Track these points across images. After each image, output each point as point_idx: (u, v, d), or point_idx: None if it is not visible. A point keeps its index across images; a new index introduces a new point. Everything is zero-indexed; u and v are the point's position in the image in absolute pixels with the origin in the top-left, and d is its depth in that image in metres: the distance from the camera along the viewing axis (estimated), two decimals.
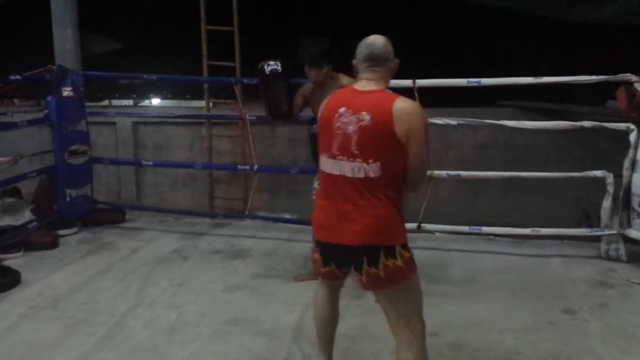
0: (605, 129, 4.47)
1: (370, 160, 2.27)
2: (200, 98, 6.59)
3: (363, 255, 2.32)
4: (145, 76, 5.43)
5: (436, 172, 4.74)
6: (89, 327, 3.50)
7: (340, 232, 2.35)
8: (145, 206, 6.19)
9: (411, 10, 7.09)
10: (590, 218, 5.83)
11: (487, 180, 5.22)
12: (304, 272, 4.22)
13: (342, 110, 2.33)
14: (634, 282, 4.07)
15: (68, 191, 5.25)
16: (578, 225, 5.59)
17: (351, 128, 2.29)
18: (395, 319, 2.40)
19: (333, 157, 2.35)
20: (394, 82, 4.60)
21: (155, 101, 7.42)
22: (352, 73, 2.52)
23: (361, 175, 2.29)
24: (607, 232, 4.50)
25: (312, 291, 3.93)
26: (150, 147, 6.56)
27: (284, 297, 3.90)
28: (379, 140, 2.26)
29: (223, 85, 6.46)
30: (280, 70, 4.09)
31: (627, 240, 4.48)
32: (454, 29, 7.69)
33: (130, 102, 6.98)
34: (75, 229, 5.28)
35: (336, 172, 2.34)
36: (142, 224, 5.58)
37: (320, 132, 2.43)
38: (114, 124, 6.43)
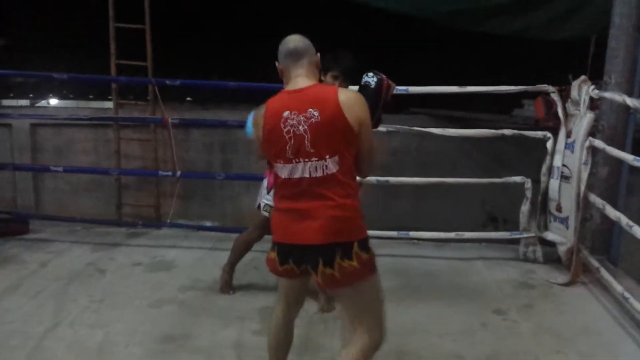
0: (518, 136, 4.68)
1: (327, 156, 2.25)
2: (105, 99, 6.20)
3: (319, 256, 2.29)
4: (55, 75, 5.00)
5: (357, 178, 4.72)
6: (4, 351, 3.16)
7: (299, 232, 2.32)
8: (52, 215, 5.71)
9: (336, 20, 7.11)
10: (496, 220, 6.14)
11: (400, 185, 5.29)
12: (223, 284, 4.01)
13: (286, 114, 2.27)
14: (553, 283, 4.28)
15: None
16: (484, 227, 5.87)
17: (301, 128, 2.24)
18: (351, 319, 2.44)
19: (289, 161, 2.29)
20: None
21: (54, 101, 6.89)
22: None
23: (320, 174, 2.27)
24: (525, 235, 4.70)
25: (244, 303, 3.82)
26: (50, 151, 6.08)
27: (218, 310, 3.72)
28: (333, 134, 2.24)
29: (129, 85, 6.14)
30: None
31: (543, 242, 4.70)
32: (380, 38, 7.85)
33: (26, 102, 6.41)
34: None
35: (295, 176, 2.30)
36: (48, 234, 5.12)
37: (266, 142, 2.34)
38: (9, 125, 5.90)
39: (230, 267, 4.00)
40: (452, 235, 4.79)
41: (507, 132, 4.62)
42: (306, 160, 2.27)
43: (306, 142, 2.25)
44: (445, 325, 3.61)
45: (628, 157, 3.70)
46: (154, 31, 5.78)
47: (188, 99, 6.71)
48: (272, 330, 2.64)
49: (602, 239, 4.67)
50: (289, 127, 2.26)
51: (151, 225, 5.40)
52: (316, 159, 2.26)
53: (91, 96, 7.07)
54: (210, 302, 3.85)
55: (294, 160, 2.28)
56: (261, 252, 3.93)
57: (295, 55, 2.37)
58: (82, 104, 6.97)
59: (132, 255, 4.67)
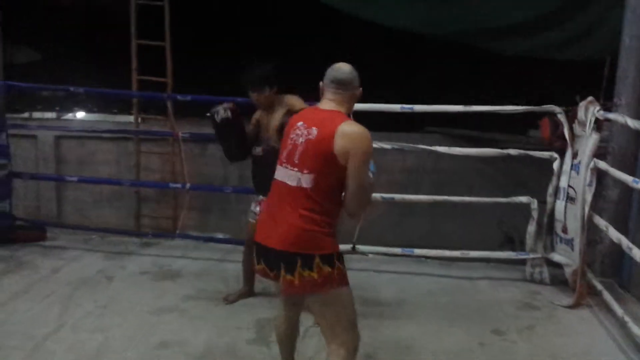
0: (529, 156, 4.65)
1: (305, 171, 2.42)
2: (128, 113, 6.39)
3: (281, 261, 2.44)
4: (72, 88, 5.19)
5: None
6: (3, 351, 3.28)
7: (270, 235, 2.49)
8: (67, 224, 5.89)
9: (349, 36, 7.20)
10: (513, 242, 6.06)
11: (416, 203, 5.32)
12: (233, 293, 4.12)
13: (299, 124, 2.49)
14: (557, 305, 4.22)
15: None
16: (500, 248, 5.81)
17: (300, 140, 2.46)
18: (323, 328, 2.56)
19: (281, 164, 2.53)
20: None
21: (80, 114, 7.15)
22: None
23: (294, 183, 2.44)
24: (531, 256, 4.66)
25: (244, 313, 3.88)
26: (74, 162, 6.27)
27: (215, 319, 3.79)
28: (318, 154, 2.40)
29: (152, 100, 6.31)
30: (230, 117, 3.75)
31: (550, 263, 4.64)
32: (389, 55, 7.91)
33: (53, 114, 6.68)
34: None
35: (280, 179, 2.52)
36: (64, 242, 5.28)
37: (281, 144, 2.58)
38: (34, 137, 6.12)
39: (244, 279, 4.13)
40: (457, 254, 4.77)
41: (513, 152, 4.61)
42: (291, 168, 2.47)
43: (297, 153, 2.46)
44: (441, 344, 3.61)
45: (627, 179, 3.66)
46: (178, 48, 5.96)
47: (207, 114, 6.80)
48: (276, 324, 2.85)
49: (611, 262, 4.60)
50: (294, 136, 2.49)
51: (163, 235, 5.50)
52: (296, 169, 2.45)
53: (115, 110, 7.31)
54: (210, 311, 3.92)
55: (284, 165, 2.51)
56: None
57: (337, 84, 2.52)
58: (110, 117, 7.22)
59: (142, 264, 4.78)
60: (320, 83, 2.58)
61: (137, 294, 4.15)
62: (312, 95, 2.89)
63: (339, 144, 2.36)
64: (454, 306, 4.21)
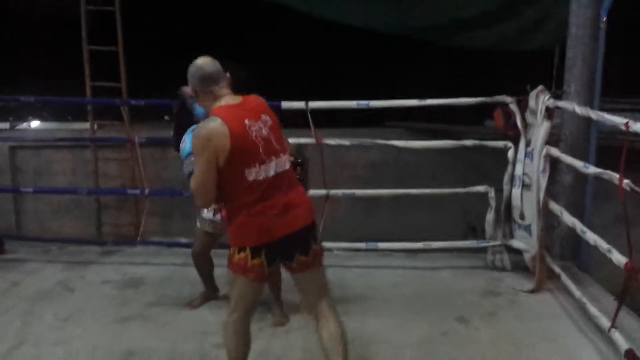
0: (487, 146, 4.73)
1: (283, 152, 2.62)
2: (83, 120, 6.29)
3: (310, 235, 2.64)
4: (22, 98, 5.08)
5: (332, 192, 4.79)
6: None
7: (290, 222, 2.56)
8: (26, 235, 5.78)
9: (307, 35, 7.19)
10: (475, 230, 6.15)
11: (379, 197, 5.37)
12: (197, 298, 4.10)
13: (247, 122, 2.51)
14: (518, 290, 4.31)
15: None
16: (465, 237, 5.88)
17: (264, 131, 2.55)
18: (319, 291, 2.73)
19: (263, 162, 2.52)
20: (289, 104, 4.68)
21: (35, 124, 7.00)
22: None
23: (287, 166, 2.63)
24: (491, 244, 4.74)
25: (209, 316, 3.86)
26: (30, 173, 6.17)
27: (181, 325, 3.77)
28: (280, 132, 2.65)
29: (108, 106, 6.22)
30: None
31: (511, 250, 4.73)
32: (347, 54, 7.94)
33: (6, 125, 6.51)
34: None
35: (271, 174, 2.54)
36: (23, 254, 5.16)
37: (237, 150, 2.46)
38: None
39: (205, 284, 4.09)
40: (420, 245, 4.83)
41: (468, 142, 4.69)
42: (276, 157, 2.56)
43: (272, 141, 2.56)
44: (405, 335, 3.64)
45: (578, 164, 3.75)
46: (132, 52, 5.89)
47: (165, 117, 6.77)
48: (233, 337, 2.75)
49: (569, 245, 4.71)
50: (254, 132, 2.51)
51: (125, 243, 5.43)
52: (282, 154, 2.61)
53: (69, 117, 7.17)
54: (175, 317, 3.90)
55: (266, 160, 2.53)
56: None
57: (215, 77, 2.60)
58: (65, 125, 7.07)
59: (103, 273, 4.71)
60: (192, 86, 2.61)
61: (99, 304, 4.09)
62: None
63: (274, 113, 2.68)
64: (419, 297, 4.26)
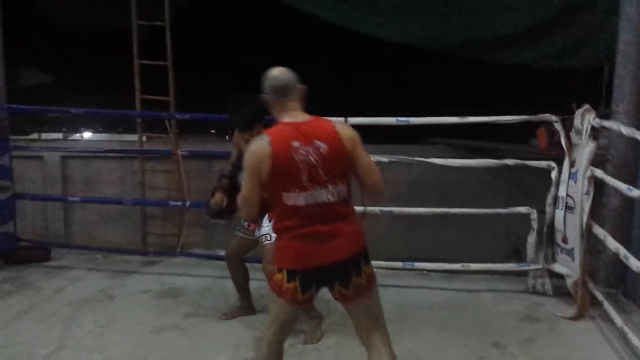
0: (529, 166, 4.63)
1: (338, 182, 2.49)
2: (133, 132, 6.46)
3: (351, 268, 2.52)
4: (72, 110, 5.29)
5: (369, 208, 4.77)
6: None
7: (328, 253, 2.49)
8: (72, 244, 5.95)
9: (347, 50, 7.22)
10: (520, 252, 6.00)
11: (420, 215, 5.31)
12: (231, 310, 4.16)
13: (295, 144, 2.43)
14: (559, 316, 4.18)
15: None
16: (508, 259, 5.74)
17: (312, 158, 2.43)
18: (370, 324, 2.63)
19: (305, 189, 2.45)
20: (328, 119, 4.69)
21: (87, 135, 7.27)
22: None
23: (336, 198, 2.49)
24: (533, 267, 4.62)
25: (243, 330, 3.89)
26: (80, 182, 6.36)
27: (215, 337, 3.82)
28: (340, 162, 2.48)
29: (157, 119, 6.38)
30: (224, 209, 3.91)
31: (554, 274, 4.60)
32: (387, 68, 7.92)
33: (59, 135, 6.79)
34: None
35: (311, 202, 2.46)
36: (68, 262, 5.34)
37: (277, 172, 2.44)
38: (41, 158, 6.21)
39: (240, 297, 4.18)
40: (458, 266, 4.75)
41: (510, 161, 4.60)
42: (322, 186, 2.46)
43: (320, 170, 2.44)
44: (439, 358, 3.59)
45: (622, 187, 3.63)
46: (182, 66, 6.03)
47: (212, 131, 6.93)
48: (266, 352, 2.66)
49: (614, 271, 4.55)
50: (301, 157, 2.43)
51: (166, 253, 5.54)
52: (331, 185, 2.48)
53: (120, 129, 7.41)
54: (210, 328, 3.95)
55: (310, 188, 2.45)
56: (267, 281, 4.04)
57: (290, 91, 2.56)
58: (116, 137, 7.32)
59: (144, 282, 4.83)
60: (264, 95, 2.59)
61: (138, 313, 4.18)
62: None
63: (348, 143, 2.50)
64: (455, 320, 4.19)
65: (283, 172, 2.44)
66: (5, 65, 5.65)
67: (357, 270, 2.53)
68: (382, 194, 2.68)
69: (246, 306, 4.14)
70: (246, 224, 3.96)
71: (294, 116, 2.53)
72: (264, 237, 3.79)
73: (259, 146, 2.47)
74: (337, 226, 2.50)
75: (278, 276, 2.56)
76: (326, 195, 2.47)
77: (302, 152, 2.42)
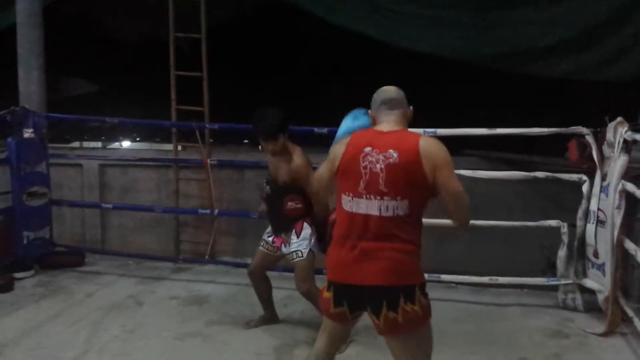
0: (560, 179, 4.54)
1: (399, 198, 2.28)
2: (170, 141, 6.59)
3: (383, 298, 2.28)
4: (107, 119, 5.44)
5: None
6: None
7: (360, 272, 2.32)
8: (105, 249, 6.11)
9: (378, 62, 7.24)
10: (554, 267, 5.86)
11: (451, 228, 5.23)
12: (255, 319, 4.18)
13: (367, 149, 2.35)
14: (589, 332, 4.07)
15: (25, 233, 5.17)
16: (543, 274, 5.62)
17: (378, 166, 2.31)
18: None
19: (359, 195, 2.34)
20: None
21: (125, 144, 7.46)
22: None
23: (389, 213, 2.29)
24: (563, 282, 4.52)
25: (265, 339, 3.91)
26: (117, 190, 6.51)
27: (238, 345, 3.84)
28: (408, 177, 2.29)
29: (193, 129, 6.51)
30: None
31: (585, 289, 4.48)
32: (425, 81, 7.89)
33: (98, 144, 7.00)
34: (31, 272, 5.17)
35: (362, 211, 2.33)
36: (101, 267, 5.48)
37: (341, 172, 2.42)
38: (80, 165, 6.40)
39: (263, 307, 4.19)
40: (485, 279, 4.68)
41: (540, 174, 4.51)
42: (377, 198, 2.30)
43: (380, 180, 2.30)
44: None
45: None
46: (217, 78, 6.15)
47: (245, 141, 7.02)
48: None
49: None
50: (367, 163, 2.34)
51: (196, 261, 5.62)
52: (388, 198, 2.29)
53: (157, 139, 7.57)
54: (233, 336, 3.98)
55: (364, 196, 2.32)
56: (294, 290, 4.11)
57: (389, 104, 2.52)
58: (155, 146, 7.49)
59: (172, 289, 4.90)
60: (369, 111, 2.59)
61: (164, 319, 4.24)
62: None
63: (426, 160, 2.29)
64: (480, 333, 4.12)
65: (347, 172, 2.39)
66: (46, 75, 5.87)
67: (393, 305, 2.27)
68: (464, 226, 2.42)
69: (269, 317, 4.16)
70: (271, 239, 3.97)
71: (384, 126, 2.48)
72: (294, 254, 3.79)
73: (342, 142, 2.50)
74: (380, 246, 2.29)
75: (325, 284, 2.51)
76: (380, 207, 2.30)
77: (371, 158, 2.33)
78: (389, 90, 2.56)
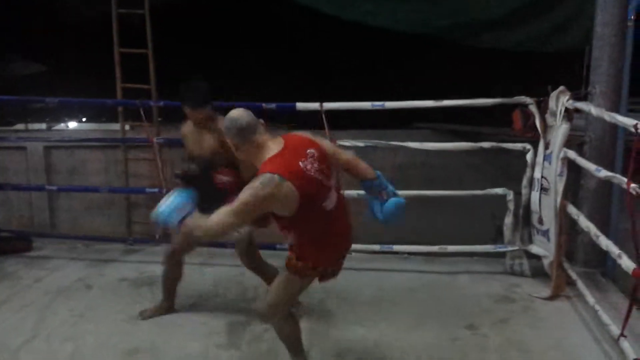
0: (505, 149, 4.62)
1: (333, 182, 2.71)
2: (117, 121, 6.44)
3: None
4: (47, 100, 5.27)
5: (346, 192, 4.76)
6: None
7: (344, 246, 2.92)
8: (55, 233, 5.96)
9: (331, 35, 7.18)
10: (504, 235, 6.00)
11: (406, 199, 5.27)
12: (150, 308, 4.00)
13: (301, 164, 2.56)
14: (535, 297, 4.19)
15: None
16: (493, 242, 5.74)
17: (315, 167, 2.59)
18: None
19: (328, 193, 2.66)
20: (303, 105, 4.69)
21: (72, 125, 7.25)
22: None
23: (335, 198, 2.71)
24: (510, 248, 4.63)
25: (219, 317, 3.89)
26: (64, 172, 6.34)
27: (189, 325, 3.83)
28: (327, 164, 2.69)
29: (135, 107, 6.36)
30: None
31: (531, 255, 4.60)
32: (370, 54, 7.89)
33: (42, 126, 6.78)
34: None
35: (332, 205, 2.68)
36: (49, 252, 5.34)
37: (307, 195, 2.53)
38: (24, 148, 6.20)
39: (165, 293, 4.02)
40: (435, 248, 4.76)
41: (485, 144, 4.59)
42: (332, 190, 2.68)
43: (324, 177, 2.64)
44: (411, 340, 3.60)
45: (591, 167, 3.62)
46: (163, 54, 6.00)
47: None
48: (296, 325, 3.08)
49: (593, 252, 4.53)
50: (311, 171, 2.58)
51: (146, 241, 5.54)
52: (333, 186, 2.71)
53: (104, 119, 7.38)
54: (183, 317, 3.95)
55: (328, 194, 2.65)
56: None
57: (253, 127, 2.63)
58: (102, 126, 7.29)
59: (122, 271, 4.81)
60: (232, 139, 2.65)
61: (114, 301, 4.18)
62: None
63: (325, 146, 2.81)
64: (432, 302, 4.20)
65: (312, 190, 2.56)
66: None
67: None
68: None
69: (168, 306, 3.99)
70: None
71: (272, 145, 2.62)
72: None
73: (278, 189, 2.46)
74: (349, 223, 2.88)
75: (307, 270, 2.77)
76: (336, 195, 2.69)
77: (308, 166, 2.57)
78: (244, 115, 2.66)
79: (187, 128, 3.77)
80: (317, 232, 2.68)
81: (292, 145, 2.63)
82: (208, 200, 3.40)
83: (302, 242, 2.70)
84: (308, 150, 2.62)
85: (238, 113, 2.65)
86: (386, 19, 5.59)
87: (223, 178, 3.59)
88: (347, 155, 2.89)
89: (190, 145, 3.76)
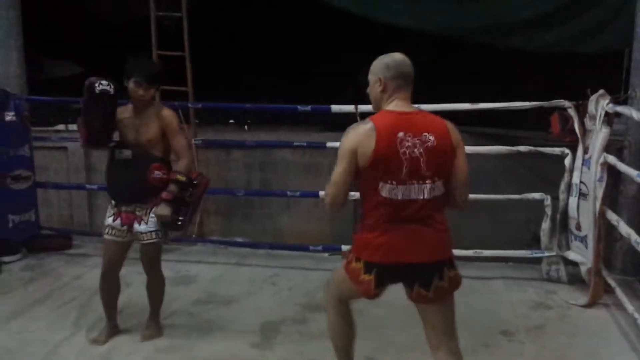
0: (543, 153, 4.56)
1: (436, 179, 2.37)
2: None
3: (435, 271, 2.43)
4: (81, 100, 5.38)
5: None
6: (21, 356, 3.44)
7: (413, 252, 2.40)
8: (93, 231, 6.09)
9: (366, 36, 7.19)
10: (539, 240, 5.91)
11: None
12: (102, 333, 3.68)
13: (400, 135, 2.32)
14: (572, 304, 4.12)
15: (10, 217, 5.14)
16: (528, 247, 5.66)
17: (417, 151, 2.32)
18: (443, 330, 2.58)
19: (402, 182, 2.34)
20: (338, 108, 4.70)
21: None
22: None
23: (431, 195, 2.37)
24: (547, 254, 4.57)
25: (253, 317, 3.93)
26: (104, 172, 6.47)
27: (223, 323, 3.88)
28: (443, 159, 2.37)
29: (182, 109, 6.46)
30: (112, 92, 3.38)
31: (568, 262, 4.53)
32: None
33: None
34: (18, 256, 5.15)
35: (406, 197, 2.35)
36: (89, 250, 5.46)
37: (376, 162, 2.33)
38: (65, 148, 6.35)
39: (107, 314, 3.74)
40: (470, 253, 4.71)
41: (522, 148, 4.54)
42: (421, 182, 2.34)
43: (422, 164, 2.32)
44: None
45: (632, 173, 3.55)
46: (202, 57, 6.09)
47: (231, 121, 6.98)
48: (345, 329, 2.85)
49: (633, 259, 4.45)
50: (405, 149, 2.31)
51: (184, 240, 5.61)
52: (430, 182, 2.35)
53: None
54: (218, 315, 4.01)
55: (408, 182, 2.33)
56: (281, 269, 4.10)
57: (407, 79, 2.44)
58: None
59: None
60: (374, 77, 2.45)
61: None
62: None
63: (454, 143, 2.40)
64: (465, 306, 4.03)
65: (384, 162, 2.32)
66: (29, 57, 5.79)
67: (441, 275, 2.44)
68: (466, 207, 2.55)
69: (114, 325, 3.72)
70: (117, 222, 3.52)
71: (401, 106, 2.42)
72: (153, 233, 3.51)
73: (362, 130, 2.34)
74: (428, 227, 2.39)
75: (356, 265, 2.50)
76: (423, 191, 2.35)
77: (408, 143, 2.31)
78: (406, 62, 2.44)
79: (125, 112, 3.47)
80: (379, 218, 2.40)
81: (417, 118, 2.40)
82: (132, 189, 3.41)
83: (362, 226, 2.49)
84: (425, 134, 2.33)
85: (403, 57, 2.45)
86: (415, 20, 5.56)
87: (159, 174, 3.38)
88: (461, 185, 2.47)
89: (123, 129, 3.46)
